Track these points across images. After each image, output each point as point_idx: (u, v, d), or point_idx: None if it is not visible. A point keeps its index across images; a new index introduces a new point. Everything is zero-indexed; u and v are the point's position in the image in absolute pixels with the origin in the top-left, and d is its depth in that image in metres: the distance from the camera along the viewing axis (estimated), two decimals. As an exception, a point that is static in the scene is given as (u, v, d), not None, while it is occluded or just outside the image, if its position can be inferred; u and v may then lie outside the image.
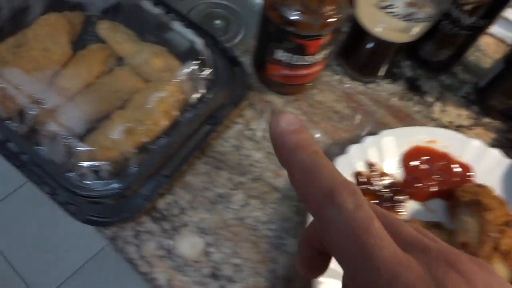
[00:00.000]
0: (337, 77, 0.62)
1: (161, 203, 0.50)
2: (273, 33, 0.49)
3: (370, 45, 0.57)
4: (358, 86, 0.62)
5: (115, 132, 0.44)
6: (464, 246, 0.48)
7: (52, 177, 0.44)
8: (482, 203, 0.49)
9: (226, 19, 0.71)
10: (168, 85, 0.47)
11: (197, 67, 0.48)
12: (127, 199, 0.46)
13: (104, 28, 0.55)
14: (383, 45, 0.56)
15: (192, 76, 0.48)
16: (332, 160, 0.52)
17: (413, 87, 0.64)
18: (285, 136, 0.22)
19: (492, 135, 0.62)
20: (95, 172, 0.44)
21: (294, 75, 0.54)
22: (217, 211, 0.50)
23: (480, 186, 0.53)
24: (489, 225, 0.48)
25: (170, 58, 0.52)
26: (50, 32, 0.51)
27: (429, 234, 0.21)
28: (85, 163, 0.43)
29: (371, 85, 0.63)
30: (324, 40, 0.49)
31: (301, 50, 0.50)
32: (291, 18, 0.46)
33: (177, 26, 0.50)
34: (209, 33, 0.55)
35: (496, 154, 0.57)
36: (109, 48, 0.55)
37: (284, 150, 0.23)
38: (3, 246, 1.38)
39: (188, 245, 0.48)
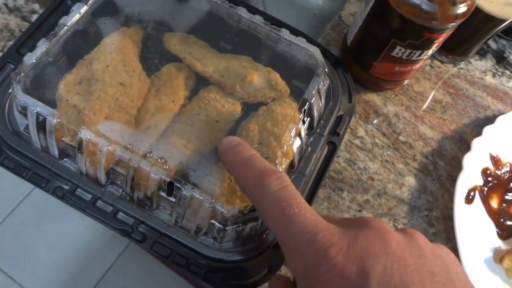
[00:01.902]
0: (427, 61, 0.56)
1: (290, 242, 0.44)
2: (398, 27, 0.42)
3: (473, 20, 0.51)
4: (450, 68, 0.56)
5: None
6: None
7: (185, 246, 0.36)
8: None
9: None
10: (293, 111, 0.39)
11: (321, 82, 0.40)
12: (269, 253, 0.39)
13: (174, 43, 0.45)
14: (488, 22, 0.50)
15: (318, 94, 0.40)
16: (455, 159, 0.48)
17: (502, 60, 0.59)
18: (226, 151, 0.30)
19: None
20: (238, 232, 0.36)
21: (405, 71, 0.47)
22: (350, 239, 0.45)
23: None
24: None
25: (267, 71, 0.44)
26: (119, 59, 0.41)
27: None
28: (230, 226, 0.35)
29: (462, 65, 0.57)
30: (451, 31, 0.43)
31: (426, 45, 0.43)
32: (430, 10, 0.39)
33: (286, 34, 0.41)
34: (302, 33, 0.46)
35: None
36: (186, 67, 0.45)
37: (227, 160, 0.30)
38: (16, 274, 1.26)
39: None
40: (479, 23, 0.51)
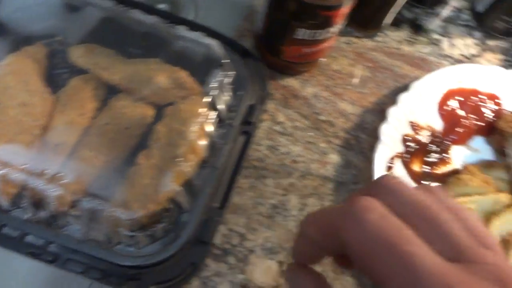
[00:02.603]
0: (343, 39, 0.57)
1: (218, 238, 0.44)
2: (295, 11, 0.42)
3: (374, -5, 0.52)
4: (367, 43, 0.57)
5: (160, 183, 0.36)
6: (529, 180, 0.48)
7: (99, 259, 0.36)
8: (532, 132, 0.48)
9: (171, 1, 0.61)
10: (198, 107, 0.39)
11: (223, 75, 0.40)
12: (189, 250, 0.39)
13: (80, 55, 0.44)
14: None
15: (221, 87, 0.40)
16: (377, 131, 0.49)
17: (417, 28, 0.60)
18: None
19: (500, 57, 0.61)
20: (150, 236, 0.36)
21: (314, 51, 0.48)
22: (277, 224, 0.45)
23: (517, 113, 0.53)
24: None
25: (174, 70, 0.44)
26: (18, 80, 0.40)
27: (482, 230, 0.19)
28: (136, 232, 0.35)
29: (379, 38, 0.58)
30: (349, 6, 0.43)
31: (326, 23, 0.43)
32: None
33: (182, 31, 0.41)
34: (211, 29, 0.46)
35: (515, 75, 0.56)
36: (94, 78, 0.44)
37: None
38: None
39: (262, 272, 0.43)
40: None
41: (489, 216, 0.47)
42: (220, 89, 0.40)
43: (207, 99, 0.39)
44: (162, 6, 0.59)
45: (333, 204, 0.47)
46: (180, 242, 0.38)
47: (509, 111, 0.53)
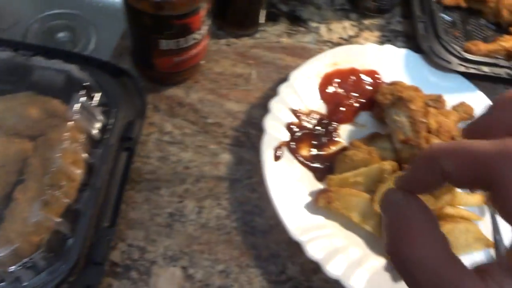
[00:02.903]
0: (223, 41, 0.59)
1: (117, 255, 0.44)
2: (150, 24, 0.44)
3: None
4: (247, 41, 0.59)
5: (32, 214, 0.36)
6: (406, 142, 0.51)
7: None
8: (404, 98, 0.51)
9: (70, 28, 0.62)
10: (64, 132, 0.40)
11: (85, 97, 0.41)
12: (81, 273, 0.40)
13: None
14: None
15: (84, 109, 0.41)
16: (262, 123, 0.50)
17: (295, 20, 0.63)
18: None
19: (377, 33, 0.64)
20: (31, 267, 0.37)
21: (186, 58, 0.49)
22: (176, 231, 0.46)
23: (392, 83, 0.56)
24: (417, 113, 0.51)
25: (45, 100, 0.44)
26: None
27: None
28: (14, 267, 0.35)
29: (258, 35, 0.60)
30: (205, 10, 0.45)
31: (186, 31, 0.45)
32: (166, 0, 0.41)
33: (38, 61, 0.42)
34: (77, 54, 0.47)
35: (389, 49, 0.60)
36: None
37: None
38: None
39: (166, 280, 0.44)
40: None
41: (377, 185, 0.49)
42: (86, 111, 0.41)
43: (71, 124, 0.40)
44: (62, 35, 0.60)
45: (229, 200, 0.49)
46: (67, 268, 0.38)
47: (386, 84, 0.56)
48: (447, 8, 0.69)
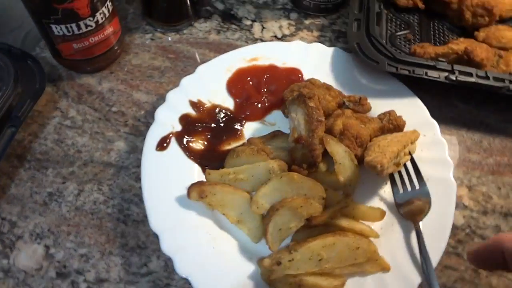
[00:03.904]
0: (148, 35, 0.60)
1: (-12, 227, 0.46)
2: (36, 9, 0.46)
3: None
4: (172, 37, 0.60)
5: None
6: (298, 141, 0.46)
7: None
8: (303, 94, 0.47)
9: None
10: None
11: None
12: None
13: None
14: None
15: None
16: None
17: (229, 17, 0.62)
18: None
19: (316, 34, 0.61)
20: None
21: (88, 45, 0.51)
22: (51, 211, 0.47)
23: (306, 81, 0.52)
24: (314, 111, 0.46)
25: None
26: None
27: None
28: None
29: (185, 31, 0.60)
30: (85, -2, 0.47)
31: (73, 16, 0.47)
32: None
33: None
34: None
35: (317, 46, 0.56)
36: None
37: None
38: None
39: (26, 256, 0.44)
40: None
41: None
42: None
43: None
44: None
45: (111, 186, 0.48)
46: None
47: (300, 82, 0.53)
48: (406, 10, 0.63)
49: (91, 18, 0.48)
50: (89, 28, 0.49)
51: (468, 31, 0.61)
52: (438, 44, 0.60)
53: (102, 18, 0.49)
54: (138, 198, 0.48)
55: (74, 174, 0.49)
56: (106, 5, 0.49)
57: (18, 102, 0.49)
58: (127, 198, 0.48)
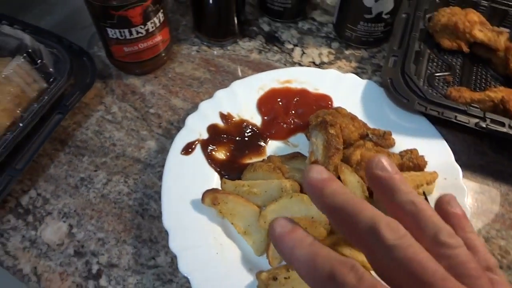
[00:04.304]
0: (195, 47, 0.64)
1: (25, 199, 0.51)
2: (96, 13, 0.52)
3: (210, 7, 0.59)
4: (217, 51, 0.64)
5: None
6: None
7: None
8: (326, 121, 0.49)
9: None
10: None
11: (23, 60, 0.50)
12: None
13: None
14: (220, 2, 0.58)
15: (23, 70, 0.50)
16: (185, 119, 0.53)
17: (272, 39, 0.65)
18: (282, 238, 0.26)
19: (354, 64, 0.62)
20: None
21: (137, 50, 0.56)
22: (80, 194, 0.51)
23: (333, 109, 0.54)
24: (333, 139, 0.48)
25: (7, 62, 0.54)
26: None
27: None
28: None
29: (229, 47, 0.64)
30: (144, 6, 0.51)
31: (127, 23, 0.52)
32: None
33: (5, 29, 0.53)
34: (51, 32, 0.57)
35: (352, 77, 0.57)
36: None
37: (284, 250, 0.25)
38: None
39: (51, 231, 0.49)
40: (214, 6, 0.58)
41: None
42: (23, 71, 0.50)
43: (9, 78, 0.49)
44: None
45: (136, 181, 0.52)
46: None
47: (327, 109, 0.54)
48: (450, 52, 0.63)
49: (142, 26, 0.53)
50: (140, 35, 0.54)
51: (511, 81, 0.59)
52: (478, 90, 0.59)
53: (152, 27, 0.54)
54: (158, 196, 0.51)
55: (106, 164, 0.54)
56: (157, 16, 0.54)
57: (69, 92, 0.54)
58: (149, 193, 0.51)
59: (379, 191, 0.27)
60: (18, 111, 0.51)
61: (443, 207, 0.28)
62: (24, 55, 0.50)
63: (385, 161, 0.27)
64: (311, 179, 0.26)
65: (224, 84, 0.60)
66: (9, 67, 0.49)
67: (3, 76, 0.49)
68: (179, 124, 0.57)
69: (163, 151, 0.54)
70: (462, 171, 0.52)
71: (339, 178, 0.47)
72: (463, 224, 0.27)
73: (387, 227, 0.22)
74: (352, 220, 0.24)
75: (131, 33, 0.53)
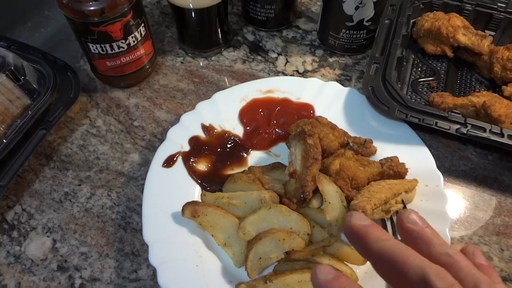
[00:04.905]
0: (179, 59, 0.65)
1: (10, 215, 0.52)
2: (77, 29, 0.52)
3: (192, 18, 0.59)
4: (200, 62, 0.64)
5: None
6: (292, 176, 0.48)
7: None
8: (304, 131, 0.49)
9: None
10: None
11: (5, 78, 0.51)
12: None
13: None
14: (201, 13, 0.58)
15: (5, 87, 0.51)
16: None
17: (256, 49, 0.65)
18: (326, 285, 0.28)
19: (338, 72, 0.62)
20: None
21: (120, 64, 0.56)
22: (64, 209, 0.52)
23: (313, 118, 0.53)
24: (311, 149, 0.48)
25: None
26: None
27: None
28: None
29: (214, 58, 0.64)
30: (123, 22, 0.52)
31: (107, 38, 0.52)
32: (82, 8, 0.49)
33: (-12, 48, 0.54)
34: (36, 48, 0.58)
35: (333, 86, 0.57)
36: None
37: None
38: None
39: (36, 246, 0.50)
40: (196, 17, 0.59)
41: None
42: (5, 89, 0.51)
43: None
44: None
45: (119, 194, 0.53)
46: None
47: (307, 118, 0.54)
48: (435, 57, 0.63)
49: (123, 41, 0.54)
50: (121, 49, 0.54)
51: (496, 85, 0.59)
52: (462, 94, 0.59)
53: (134, 41, 0.55)
54: (140, 208, 0.51)
55: (90, 178, 0.54)
56: (138, 30, 0.54)
57: (53, 107, 0.55)
58: (131, 207, 0.52)
59: (410, 242, 0.29)
60: (1, 128, 0.52)
61: (468, 257, 0.29)
62: (7, 73, 0.51)
63: (415, 215, 0.30)
64: (354, 225, 0.29)
65: (208, 95, 0.60)
66: (-8, 85, 0.50)
67: (-14, 95, 0.50)
68: (162, 137, 0.57)
69: (146, 164, 0.55)
70: (445, 177, 0.51)
71: (316, 188, 0.47)
72: (492, 275, 0.28)
73: (438, 276, 0.24)
74: (400, 267, 0.26)
75: (112, 48, 0.54)
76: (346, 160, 0.49)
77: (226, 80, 0.62)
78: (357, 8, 0.56)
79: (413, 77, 0.61)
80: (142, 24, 0.55)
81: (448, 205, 0.47)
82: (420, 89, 0.60)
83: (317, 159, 0.48)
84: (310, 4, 0.70)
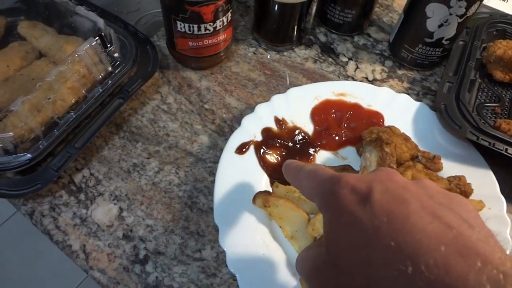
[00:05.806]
0: (252, 49, 0.65)
1: (79, 177, 0.53)
2: (170, 5, 0.53)
3: (274, 12, 0.60)
4: (273, 55, 0.65)
5: (16, 105, 0.47)
6: (365, 182, 0.49)
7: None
8: (382, 138, 0.50)
9: None
10: (67, 60, 0.50)
11: (95, 43, 0.51)
12: (38, 171, 0.49)
13: (24, 27, 0.60)
14: (285, 9, 0.59)
15: (93, 51, 0.51)
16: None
17: (327, 50, 0.66)
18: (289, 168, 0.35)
19: (406, 85, 0.63)
20: (4, 149, 0.47)
21: (201, 46, 0.57)
22: (131, 179, 0.53)
23: (387, 127, 0.55)
24: (388, 157, 0.49)
25: (79, 43, 0.56)
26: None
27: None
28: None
29: (286, 53, 0.65)
30: (217, 5, 0.52)
31: (198, 19, 0.53)
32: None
33: (81, 10, 0.54)
34: (118, 17, 0.59)
35: (404, 98, 0.58)
36: (29, 44, 0.59)
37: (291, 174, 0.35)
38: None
39: (102, 212, 0.50)
40: (278, 12, 0.60)
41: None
42: (93, 53, 0.51)
43: (74, 56, 0.50)
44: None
45: (187, 173, 0.53)
46: (28, 158, 0.47)
47: (380, 126, 0.55)
48: (501, 84, 0.64)
49: (211, 24, 0.54)
50: (207, 31, 0.55)
51: (561, 120, 0.60)
52: (522, 124, 0.60)
53: (220, 26, 0.55)
54: (207, 190, 0.52)
55: (159, 153, 0.55)
56: (226, 15, 0.55)
57: (131, 79, 0.56)
58: (198, 187, 0.53)
59: None
60: (83, 91, 0.52)
61: None
62: (97, 38, 0.51)
63: None
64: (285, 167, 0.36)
65: (278, 89, 0.61)
66: (82, 47, 0.50)
67: (76, 55, 0.50)
68: (232, 123, 0.58)
69: (215, 147, 0.56)
70: (506, 203, 0.53)
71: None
72: None
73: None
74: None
75: (199, 29, 0.54)
76: (417, 172, 0.50)
77: (297, 76, 0.62)
78: (440, 26, 0.57)
79: (478, 100, 0.62)
80: (230, 10, 0.56)
81: (509, 230, 0.49)
82: (484, 113, 0.61)
83: (392, 167, 0.49)
84: (382, 14, 0.71)
